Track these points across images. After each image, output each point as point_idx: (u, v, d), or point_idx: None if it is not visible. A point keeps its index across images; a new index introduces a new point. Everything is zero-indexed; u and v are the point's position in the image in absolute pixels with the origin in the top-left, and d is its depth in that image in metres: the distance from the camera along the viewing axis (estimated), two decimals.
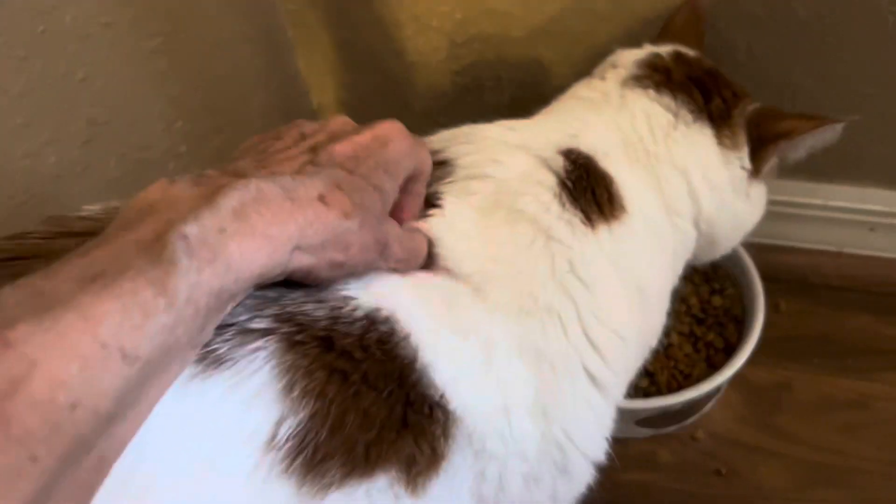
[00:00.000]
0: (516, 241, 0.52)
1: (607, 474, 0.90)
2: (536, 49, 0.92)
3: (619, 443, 0.91)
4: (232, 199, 0.36)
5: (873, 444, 0.88)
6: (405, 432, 0.43)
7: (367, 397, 0.41)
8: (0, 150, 0.62)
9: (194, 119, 0.85)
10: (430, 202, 0.52)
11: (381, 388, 0.42)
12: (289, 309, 0.41)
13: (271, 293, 0.41)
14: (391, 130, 0.45)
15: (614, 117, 0.65)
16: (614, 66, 0.70)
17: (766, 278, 0.90)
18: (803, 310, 1.01)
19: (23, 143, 0.64)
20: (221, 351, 0.37)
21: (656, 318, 0.65)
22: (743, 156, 0.68)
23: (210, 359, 0.37)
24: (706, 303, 0.92)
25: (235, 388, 0.37)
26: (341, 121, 0.47)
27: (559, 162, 0.57)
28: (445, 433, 0.45)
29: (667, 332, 0.89)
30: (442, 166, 0.55)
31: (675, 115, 0.65)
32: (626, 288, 0.58)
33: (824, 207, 0.97)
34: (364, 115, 1.09)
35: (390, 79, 1.03)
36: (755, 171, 0.68)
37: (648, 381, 0.87)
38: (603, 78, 0.69)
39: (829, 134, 0.67)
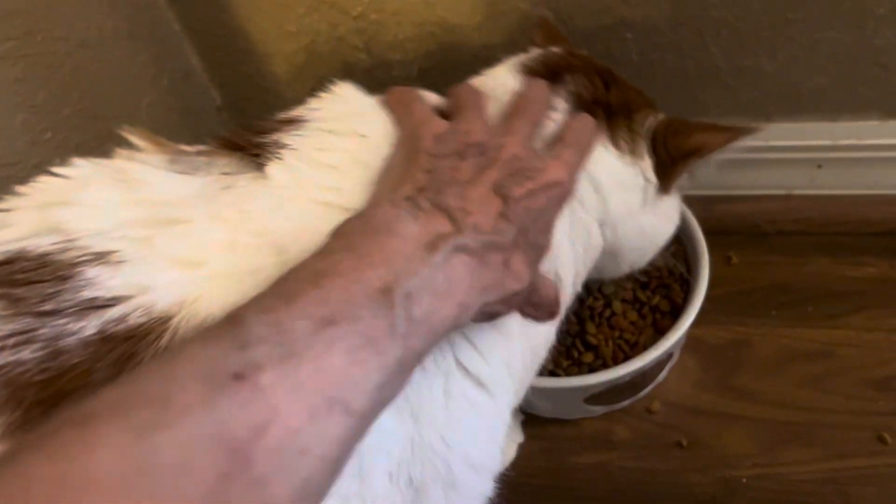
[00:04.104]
0: None
1: (562, 458, 0.85)
2: (436, 12, 0.85)
3: (570, 424, 0.86)
4: (447, 257, 0.38)
5: (841, 394, 0.82)
6: None
7: None
8: None
9: (68, 128, 0.78)
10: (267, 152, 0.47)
11: None
12: None
13: None
14: (559, 178, 0.46)
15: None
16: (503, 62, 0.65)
17: (715, 231, 0.84)
18: (757, 260, 0.95)
19: None
20: None
21: None
22: (646, 166, 0.61)
23: None
24: (648, 264, 0.85)
25: None
26: (513, 149, 0.46)
27: None
28: None
29: (608, 302, 0.83)
30: (292, 124, 0.50)
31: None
32: None
33: (766, 149, 0.91)
34: (274, 106, 1.03)
35: (293, 64, 0.96)
36: (664, 188, 0.62)
37: (593, 355, 0.80)
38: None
39: (738, 145, 0.61)
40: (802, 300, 0.90)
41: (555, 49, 0.65)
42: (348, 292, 0.34)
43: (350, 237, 0.38)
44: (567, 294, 0.58)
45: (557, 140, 0.51)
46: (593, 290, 0.84)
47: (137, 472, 0.26)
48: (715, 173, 0.95)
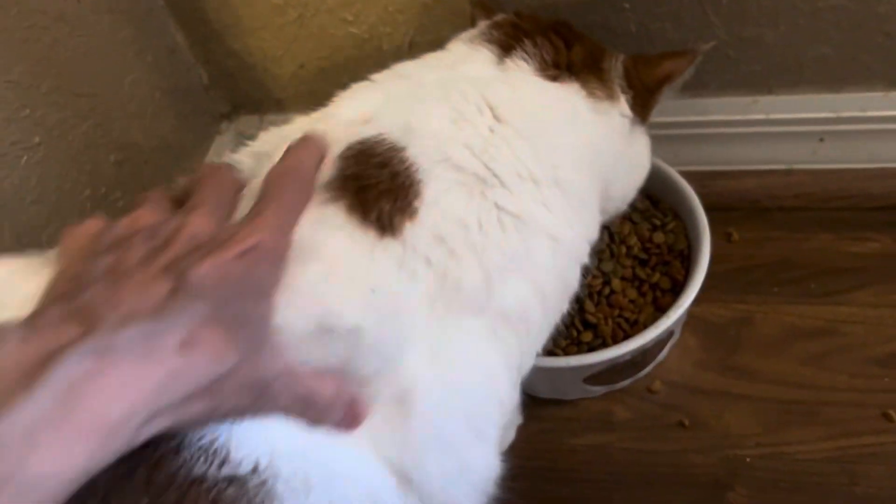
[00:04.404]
0: None
1: (561, 440, 0.83)
2: None
3: (569, 405, 0.84)
4: (62, 373, 0.30)
5: (844, 372, 0.81)
6: None
7: None
8: None
9: (46, 105, 0.75)
10: None
11: None
12: None
13: None
14: (257, 240, 0.38)
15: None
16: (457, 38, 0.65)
17: (715, 208, 0.82)
18: (758, 237, 0.93)
19: None
20: None
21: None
22: (622, 105, 0.63)
23: None
24: (648, 241, 0.83)
25: None
26: (193, 225, 0.39)
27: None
28: None
29: (607, 280, 0.81)
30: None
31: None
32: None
33: (767, 122, 0.89)
34: (260, 83, 1.00)
35: (282, 39, 0.93)
36: (642, 118, 0.66)
37: (592, 334, 0.78)
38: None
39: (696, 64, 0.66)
40: (804, 277, 0.88)
41: (503, 16, 0.65)
42: None
43: None
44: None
45: (260, 195, 0.44)
46: (591, 268, 0.82)
47: None
48: (714, 148, 0.93)
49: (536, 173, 0.52)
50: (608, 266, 0.82)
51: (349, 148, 0.49)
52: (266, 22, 0.91)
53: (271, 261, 0.40)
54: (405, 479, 0.45)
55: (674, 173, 0.84)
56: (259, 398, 0.38)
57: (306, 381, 0.40)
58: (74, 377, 0.30)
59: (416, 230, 0.46)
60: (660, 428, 0.81)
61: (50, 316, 0.33)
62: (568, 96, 0.59)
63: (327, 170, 0.47)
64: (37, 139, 0.74)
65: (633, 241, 0.83)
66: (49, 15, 0.75)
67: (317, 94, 1.05)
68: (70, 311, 0.33)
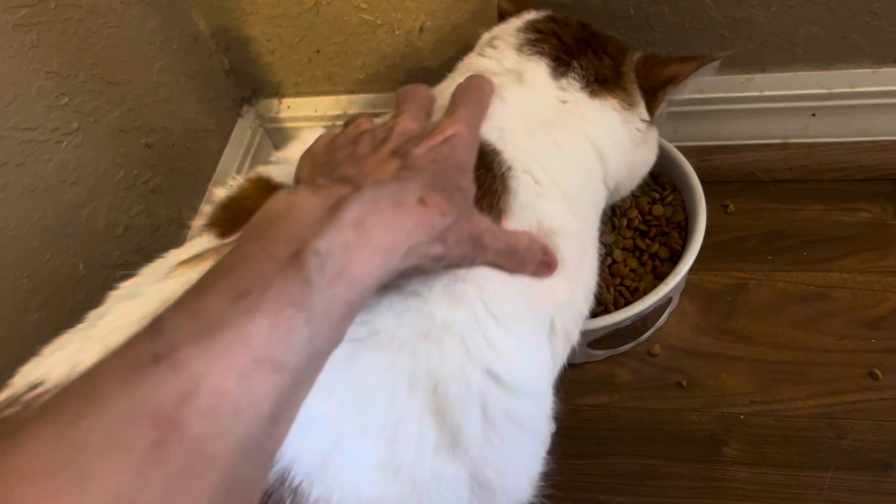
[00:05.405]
0: None
1: (567, 400, 0.88)
2: None
3: (575, 368, 0.90)
4: (352, 212, 0.39)
5: (834, 334, 0.86)
6: None
7: None
8: None
9: (83, 93, 0.80)
10: None
11: None
12: None
13: None
14: (455, 130, 0.50)
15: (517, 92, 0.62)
16: (498, 38, 0.67)
17: (712, 181, 0.87)
18: (753, 208, 0.98)
19: None
20: None
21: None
22: (642, 110, 0.67)
23: None
24: (647, 213, 0.88)
25: None
26: (403, 124, 0.52)
27: None
28: None
29: (609, 251, 0.86)
30: None
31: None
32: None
33: (762, 99, 0.93)
34: (279, 69, 1.05)
35: (298, 26, 0.98)
36: (650, 119, 0.68)
37: (595, 301, 0.83)
38: (494, 47, 0.66)
39: (708, 72, 0.67)
40: (797, 245, 0.93)
41: (535, 16, 0.68)
42: (259, 269, 0.36)
43: (254, 229, 0.40)
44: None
45: (450, 104, 0.56)
46: None
47: (66, 456, 0.28)
48: (711, 123, 0.97)
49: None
50: (610, 238, 0.87)
51: None
52: (284, 10, 0.96)
53: (467, 145, 0.51)
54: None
55: (673, 149, 0.88)
56: (475, 248, 0.48)
57: (507, 235, 0.52)
58: (361, 211, 0.40)
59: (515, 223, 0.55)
60: (659, 388, 0.86)
61: (322, 182, 0.44)
62: (603, 115, 0.63)
63: None
64: (75, 125, 0.79)
65: (634, 213, 0.88)
66: (83, 8, 0.80)
67: (332, 78, 1.10)
68: (335, 179, 0.44)
